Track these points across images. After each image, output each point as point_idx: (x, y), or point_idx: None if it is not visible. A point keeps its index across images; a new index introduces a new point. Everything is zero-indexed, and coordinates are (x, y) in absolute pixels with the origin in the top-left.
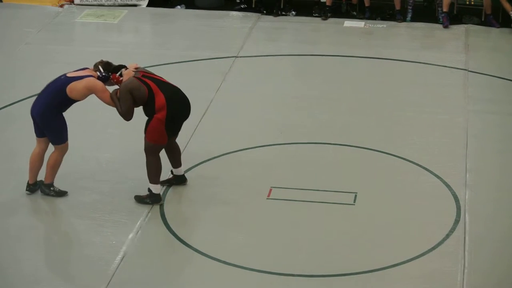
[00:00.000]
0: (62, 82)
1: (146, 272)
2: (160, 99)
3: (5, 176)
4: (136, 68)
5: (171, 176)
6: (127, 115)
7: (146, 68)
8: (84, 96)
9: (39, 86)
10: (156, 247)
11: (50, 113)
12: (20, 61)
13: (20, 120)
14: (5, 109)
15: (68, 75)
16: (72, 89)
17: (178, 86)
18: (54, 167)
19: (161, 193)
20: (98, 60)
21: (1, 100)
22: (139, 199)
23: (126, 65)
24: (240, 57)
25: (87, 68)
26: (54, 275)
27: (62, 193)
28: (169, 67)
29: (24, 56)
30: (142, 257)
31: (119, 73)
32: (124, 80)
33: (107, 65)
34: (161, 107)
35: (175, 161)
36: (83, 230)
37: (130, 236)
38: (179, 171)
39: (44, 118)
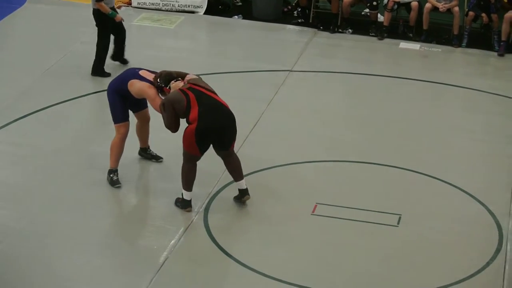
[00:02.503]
0: (131, 73)
1: (185, 280)
2: (194, 111)
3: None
4: (189, 80)
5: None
6: (172, 128)
7: (201, 79)
8: (137, 95)
9: (91, 86)
10: (196, 255)
11: (112, 91)
12: (74, 59)
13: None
14: (53, 107)
15: (140, 72)
16: (131, 84)
17: (225, 101)
18: (112, 150)
19: (191, 200)
20: (152, 63)
21: (52, 98)
22: (175, 201)
23: (187, 73)
24: (295, 71)
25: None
26: (92, 277)
27: (114, 183)
28: (223, 76)
29: (78, 55)
30: (182, 264)
31: (168, 85)
32: (171, 92)
33: (166, 77)
34: (194, 119)
35: (232, 174)
36: (125, 233)
37: (172, 242)
38: (239, 185)
39: (108, 94)
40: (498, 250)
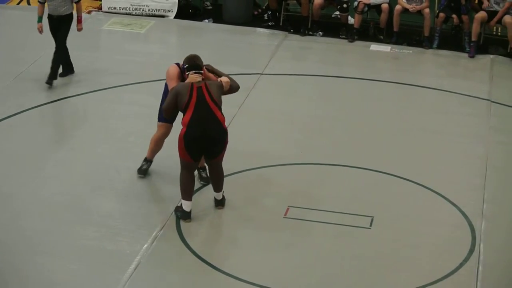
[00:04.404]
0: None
1: (157, 285)
2: (188, 116)
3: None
4: (208, 79)
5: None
6: (166, 111)
7: (219, 84)
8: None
9: (61, 91)
10: (169, 259)
11: (164, 91)
12: (44, 66)
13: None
14: (22, 113)
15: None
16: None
17: (219, 118)
18: (150, 143)
19: (191, 212)
20: (123, 67)
21: (21, 104)
22: (175, 209)
23: (208, 65)
24: (265, 74)
25: None
26: (66, 282)
27: (140, 172)
28: None
29: (49, 61)
30: (155, 268)
31: (188, 69)
32: (186, 81)
33: (189, 59)
34: (185, 124)
35: (212, 183)
36: (97, 238)
37: (145, 246)
38: (216, 195)
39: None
40: (471, 251)
